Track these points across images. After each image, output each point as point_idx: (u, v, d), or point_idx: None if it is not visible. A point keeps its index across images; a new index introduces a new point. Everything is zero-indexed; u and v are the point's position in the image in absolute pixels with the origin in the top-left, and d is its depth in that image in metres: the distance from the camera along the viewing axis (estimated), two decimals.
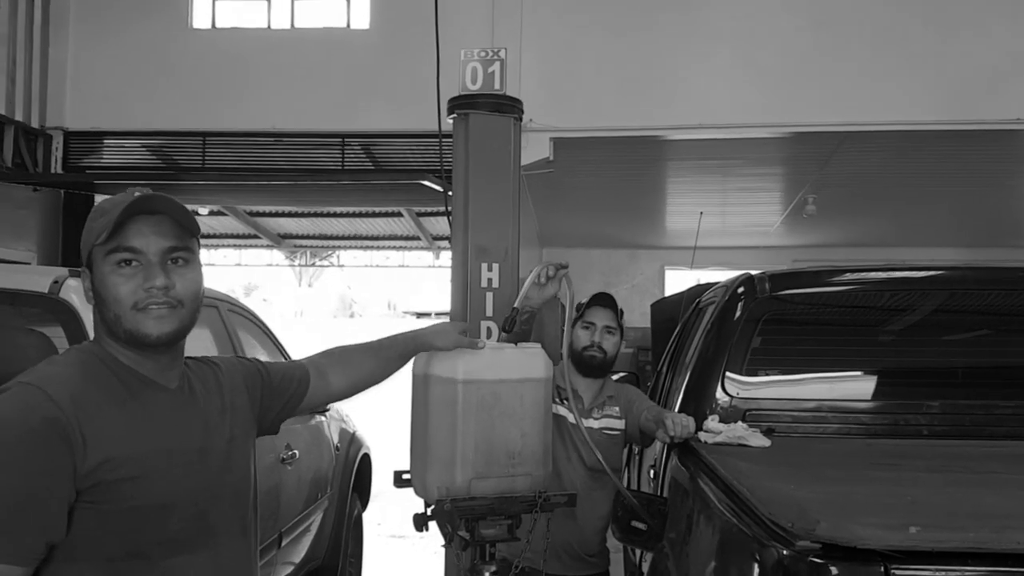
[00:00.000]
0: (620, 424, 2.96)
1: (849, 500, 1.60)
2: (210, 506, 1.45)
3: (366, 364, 1.88)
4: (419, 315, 41.99)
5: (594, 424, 2.94)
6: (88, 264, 1.41)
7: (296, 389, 1.76)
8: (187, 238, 1.42)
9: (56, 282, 2.63)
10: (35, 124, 7.11)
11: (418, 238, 11.97)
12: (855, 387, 2.83)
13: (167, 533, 1.37)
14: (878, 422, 2.69)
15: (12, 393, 1.29)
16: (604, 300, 3.02)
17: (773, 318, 2.83)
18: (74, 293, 2.60)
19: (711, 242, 11.74)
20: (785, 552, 1.34)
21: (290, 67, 7.06)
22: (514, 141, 3.70)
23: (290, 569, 3.96)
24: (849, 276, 3.00)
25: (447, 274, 3.83)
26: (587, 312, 3.02)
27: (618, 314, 3.03)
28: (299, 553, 4.08)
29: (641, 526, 2.44)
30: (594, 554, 2.94)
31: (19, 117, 6.93)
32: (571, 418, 2.87)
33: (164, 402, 1.44)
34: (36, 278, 2.71)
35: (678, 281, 12.22)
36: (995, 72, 6.38)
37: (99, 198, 7.78)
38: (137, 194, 1.40)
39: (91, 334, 2.47)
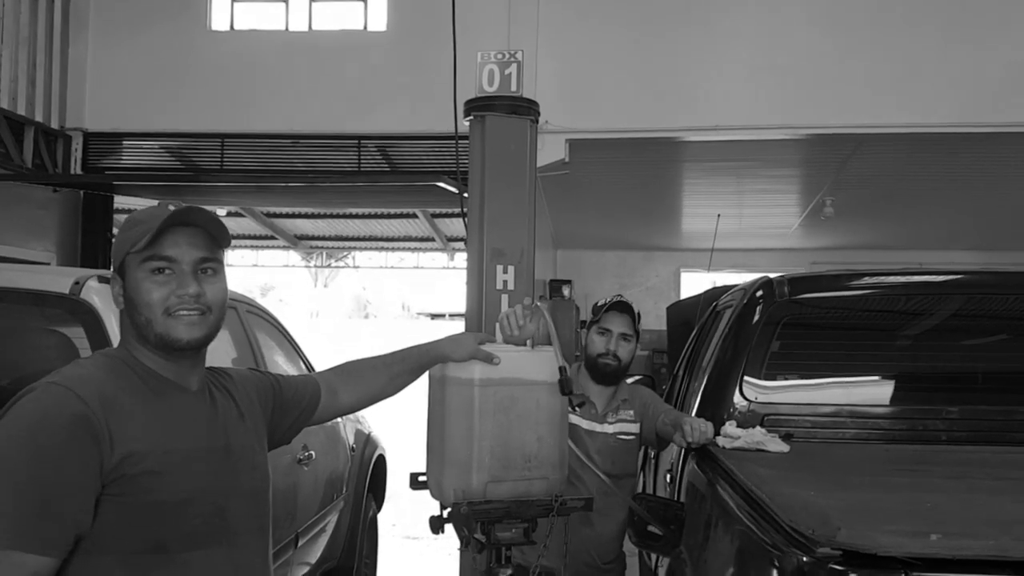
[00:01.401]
0: (634, 428, 2.93)
1: (869, 507, 1.59)
2: (229, 503, 1.49)
3: (377, 380, 1.91)
4: (433, 316, 42.04)
5: (608, 429, 2.91)
6: (120, 271, 1.48)
7: (307, 405, 1.81)
8: (216, 250, 1.51)
9: (77, 283, 2.65)
10: (55, 125, 7.18)
11: (433, 239, 11.99)
12: (874, 392, 2.81)
13: (186, 528, 1.42)
14: (897, 427, 2.67)
15: (40, 392, 1.35)
16: (621, 306, 2.95)
17: (792, 322, 2.81)
18: (95, 294, 2.62)
19: (728, 244, 11.69)
20: (806, 559, 1.33)
21: (307, 69, 7.09)
22: (530, 143, 3.69)
23: (306, 569, 3.97)
24: (868, 280, 2.98)
25: (462, 275, 3.84)
26: (604, 317, 2.95)
27: (635, 319, 2.97)
28: (315, 553, 4.09)
29: (658, 531, 2.44)
30: (611, 560, 2.92)
31: (39, 118, 7.00)
32: (584, 424, 2.86)
33: (186, 403, 1.50)
34: (57, 279, 2.73)
35: (694, 283, 12.18)
36: (1012, 75, 6.32)
37: (118, 199, 7.85)
38: (172, 208, 1.47)
39: (112, 335, 2.51)
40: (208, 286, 1.48)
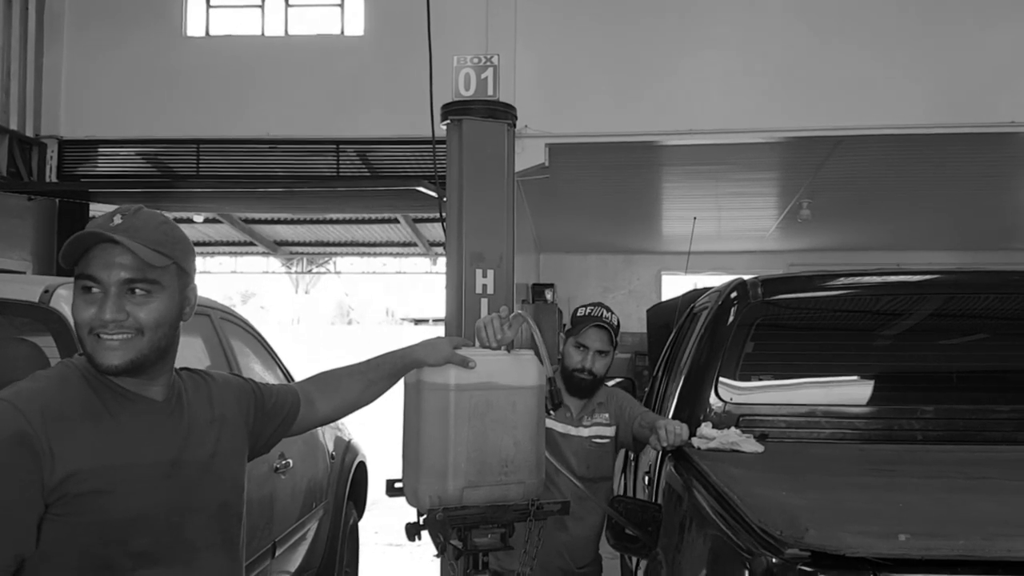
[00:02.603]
0: (610, 431, 2.92)
1: (840, 507, 1.59)
2: (186, 519, 1.45)
3: (353, 388, 1.89)
4: (417, 322, 41.93)
5: (584, 432, 2.90)
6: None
7: (288, 414, 1.78)
8: (150, 270, 1.41)
9: (47, 291, 2.62)
10: (29, 133, 7.10)
11: (415, 244, 11.97)
12: (849, 392, 2.82)
13: (136, 547, 1.38)
14: (872, 427, 2.68)
15: None
16: (599, 323, 2.88)
17: (766, 323, 2.82)
18: (64, 303, 2.58)
19: (707, 247, 11.75)
20: (774, 560, 1.33)
21: (284, 74, 7.06)
22: (508, 146, 3.69)
23: None
24: (842, 280, 2.99)
25: (444, 280, 3.82)
26: (583, 333, 2.89)
27: (614, 334, 2.91)
28: (294, 562, 4.05)
29: (635, 533, 2.43)
30: (586, 564, 2.91)
31: (14, 126, 6.93)
32: (559, 428, 2.85)
33: (143, 416, 1.44)
34: (26, 287, 2.70)
35: (675, 286, 12.23)
36: (990, 75, 6.39)
37: (94, 207, 7.77)
38: (118, 219, 1.40)
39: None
40: (136, 308, 1.40)
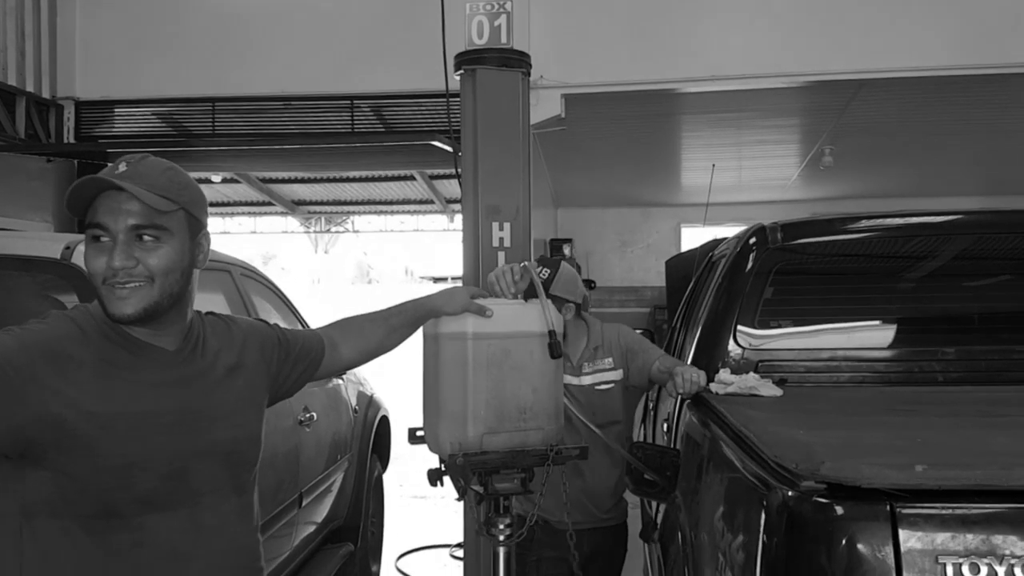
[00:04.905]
0: (615, 375, 2.90)
1: (857, 443, 1.60)
2: (191, 464, 1.46)
3: (376, 333, 1.92)
4: (436, 280, 42.01)
5: (586, 381, 2.89)
6: None
7: (313, 358, 1.81)
8: (156, 215, 1.41)
9: (68, 248, 2.65)
10: (46, 95, 7.11)
11: (432, 202, 11.94)
12: (869, 336, 2.80)
13: (139, 492, 1.39)
14: (892, 370, 2.67)
15: None
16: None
17: (785, 268, 2.80)
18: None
19: (727, 198, 11.62)
20: (790, 493, 1.34)
21: (298, 29, 6.99)
22: (523, 96, 3.66)
23: (312, 528, 4.02)
24: (862, 224, 2.95)
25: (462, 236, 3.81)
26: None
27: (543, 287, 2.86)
28: (320, 513, 4.14)
29: (654, 478, 2.46)
30: (607, 510, 2.95)
31: (30, 88, 6.94)
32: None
33: (151, 366, 1.45)
34: (48, 244, 2.73)
35: (694, 238, 12.15)
36: (1017, 13, 6.20)
37: None
38: (123, 167, 1.40)
39: None
40: (147, 254, 1.40)
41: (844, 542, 1.26)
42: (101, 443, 1.36)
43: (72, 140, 7.18)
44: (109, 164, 1.52)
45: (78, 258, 2.60)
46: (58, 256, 2.63)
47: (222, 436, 1.52)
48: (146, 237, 1.41)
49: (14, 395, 1.30)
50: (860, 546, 1.25)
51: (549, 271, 2.88)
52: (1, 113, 6.57)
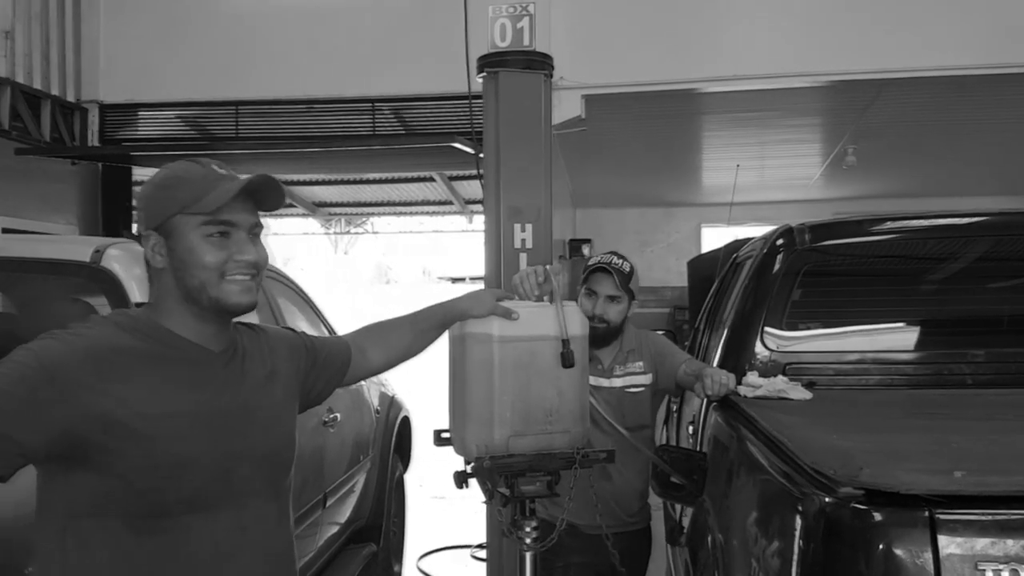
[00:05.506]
0: (644, 379, 2.88)
1: (893, 448, 1.58)
2: (236, 466, 1.48)
3: (403, 339, 1.93)
4: (454, 280, 42.06)
5: (616, 383, 2.87)
6: (160, 229, 1.46)
7: (340, 365, 1.82)
8: (258, 213, 1.53)
9: (98, 251, 2.67)
10: (71, 98, 7.19)
11: (451, 203, 11.96)
12: (898, 338, 2.78)
13: (186, 491, 1.41)
14: (921, 372, 2.65)
15: (35, 341, 1.36)
16: (603, 269, 2.85)
17: (813, 270, 2.78)
18: (115, 262, 2.64)
19: (749, 197, 11.56)
20: (828, 499, 1.32)
21: (320, 32, 7.03)
22: (545, 98, 3.66)
23: (335, 529, 4.04)
24: (890, 225, 2.93)
25: (480, 238, 3.82)
26: (589, 279, 2.88)
27: (623, 279, 2.84)
28: (344, 513, 4.16)
29: (680, 481, 2.44)
30: (634, 513, 2.93)
31: (55, 92, 7.01)
32: (591, 381, 2.82)
33: (199, 364, 1.48)
34: (78, 248, 2.75)
35: (715, 238, 12.09)
36: None
37: (137, 170, 7.88)
38: (219, 169, 1.49)
39: (134, 301, 2.54)
40: (259, 250, 1.51)
41: (883, 548, 1.24)
42: (153, 442, 1.37)
43: (96, 143, 7.24)
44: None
45: (108, 262, 2.62)
46: (88, 260, 2.65)
47: (262, 439, 1.54)
48: (256, 233, 1.52)
49: (66, 399, 1.32)
50: (899, 552, 1.24)
51: (630, 264, 2.90)
52: (26, 116, 6.64)
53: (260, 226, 1.52)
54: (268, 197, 1.51)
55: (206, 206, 1.43)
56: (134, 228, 7.40)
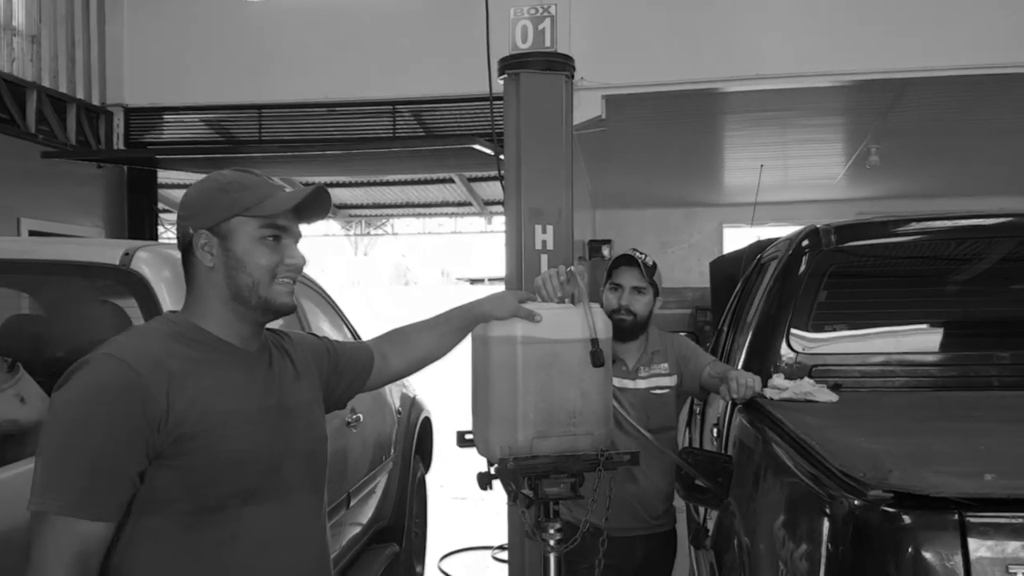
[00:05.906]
0: (669, 381, 2.87)
1: (921, 450, 1.57)
2: (283, 460, 1.53)
3: (425, 343, 1.96)
4: (472, 281, 42.11)
5: (641, 384, 2.85)
6: (214, 229, 1.51)
7: (361, 370, 1.86)
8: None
9: (127, 254, 2.67)
10: (96, 102, 7.28)
11: (470, 204, 11.99)
12: (924, 340, 2.75)
13: (244, 485, 1.47)
14: (948, 375, 2.62)
15: (95, 363, 1.39)
16: (629, 260, 2.86)
17: (839, 271, 2.75)
18: (145, 265, 2.65)
19: (771, 197, 11.49)
20: (857, 502, 1.32)
21: (341, 36, 7.08)
22: (566, 99, 3.65)
23: (358, 529, 4.06)
24: (917, 226, 2.90)
25: (500, 239, 3.82)
26: (614, 273, 2.88)
27: (648, 271, 2.84)
28: (366, 514, 4.18)
29: (705, 484, 2.43)
30: (658, 515, 2.92)
31: (80, 95, 7.11)
32: (616, 383, 2.82)
33: (243, 364, 1.54)
34: (107, 250, 2.76)
35: (737, 239, 12.03)
36: None
37: (162, 174, 7.97)
38: (282, 185, 1.60)
39: (163, 304, 2.56)
40: (302, 255, 1.59)
41: (912, 551, 1.24)
42: (215, 441, 1.43)
43: (121, 146, 7.33)
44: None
45: (137, 264, 2.63)
46: (117, 262, 2.66)
47: (303, 435, 1.60)
48: (298, 239, 1.60)
49: (150, 419, 1.38)
50: (929, 555, 1.23)
51: (653, 260, 2.91)
52: (52, 120, 6.73)
53: (301, 234, 1.60)
54: (315, 212, 1.59)
55: (266, 209, 1.50)
56: (160, 232, 7.46)
